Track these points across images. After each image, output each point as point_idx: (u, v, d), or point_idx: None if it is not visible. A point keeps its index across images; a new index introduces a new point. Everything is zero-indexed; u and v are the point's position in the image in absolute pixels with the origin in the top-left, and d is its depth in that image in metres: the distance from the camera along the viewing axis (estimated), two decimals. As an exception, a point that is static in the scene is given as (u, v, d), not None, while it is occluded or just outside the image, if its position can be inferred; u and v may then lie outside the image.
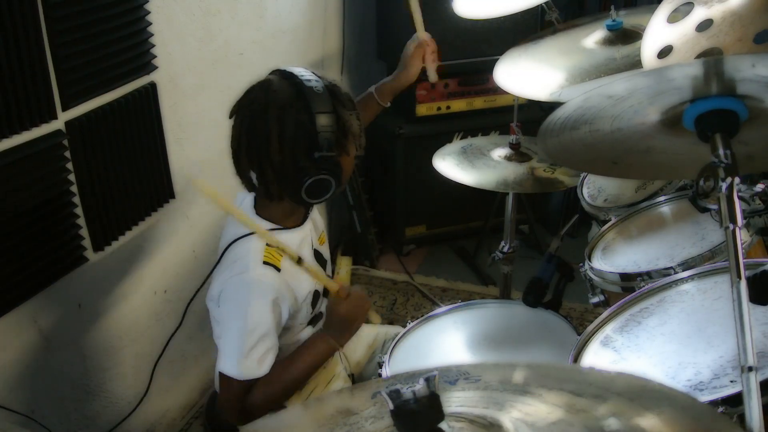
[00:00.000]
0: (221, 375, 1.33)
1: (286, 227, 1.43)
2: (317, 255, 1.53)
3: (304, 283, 1.42)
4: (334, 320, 1.39)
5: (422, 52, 1.70)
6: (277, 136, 1.30)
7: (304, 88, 1.30)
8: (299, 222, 1.46)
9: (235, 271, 1.35)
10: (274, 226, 1.41)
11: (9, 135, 1.41)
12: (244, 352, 1.31)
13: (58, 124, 1.53)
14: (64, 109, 1.54)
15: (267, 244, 1.36)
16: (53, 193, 1.55)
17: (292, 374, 1.38)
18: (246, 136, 1.33)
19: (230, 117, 1.36)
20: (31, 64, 1.42)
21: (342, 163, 1.36)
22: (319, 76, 1.35)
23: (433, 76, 1.73)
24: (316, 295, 1.49)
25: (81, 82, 1.57)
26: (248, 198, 1.46)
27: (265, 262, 1.34)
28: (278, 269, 1.35)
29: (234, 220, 1.44)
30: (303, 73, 1.34)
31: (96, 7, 1.57)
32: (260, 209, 1.43)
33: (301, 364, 1.38)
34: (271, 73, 1.39)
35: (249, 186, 1.40)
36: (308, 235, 1.49)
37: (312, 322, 1.52)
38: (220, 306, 1.37)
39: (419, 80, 1.77)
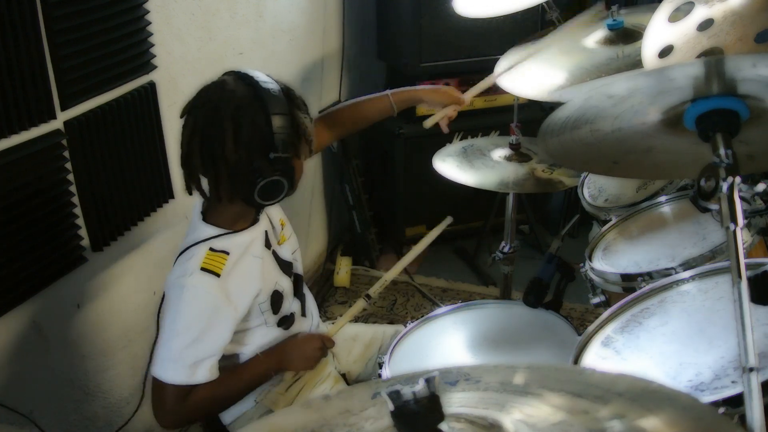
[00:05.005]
0: (153, 378, 1.32)
1: (234, 231, 1.41)
2: (275, 255, 1.51)
3: (250, 286, 1.40)
4: (293, 355, 1.48)
5: (454, 101, 1.72)
6: (232, 136, 1.29)
7: (260, 89, 1.30)
8: (247, 224, 1.44)
9: (174, 275, 1.35)
10: (220, 231, 1.39)
11: (8, 135, 1.41)
12: (173, 355, 1.31)
13: (57, 123, 1.53)
14: (63, 109, 1.53)
15: (211, 249, 1.35)
16: (52, 193, 1.55)
17: (233, 389, 1.41)
18: (200, 136, 1.32)
19: (181, 116, 1.35)
20: (30, 64, 1.42)
21: (294, 165, 1.36)
22: (274, 79, 1.34)
23: (430, 122, 1.76)
24: (277, 296, 1.47)
25: (80, 81, 1.56)
26: (197, 205, 1.45)
27: (203, 269, 1.33)
28: (218, 275, 1.34)
29: (190, 228, 1.44)
30: (258, 74, 1.34)
31: (95, 6, 1.57)
32: (208, 215, 1.41)
33: (243, 381, 1.42)
34: (225, 74, 1.37)
35: (197, 189, 1.37)
36: (259, 236, 1.46)
37: (282, 323, 1.50)
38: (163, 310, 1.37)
39: (418, 79, 1.77)
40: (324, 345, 1.51)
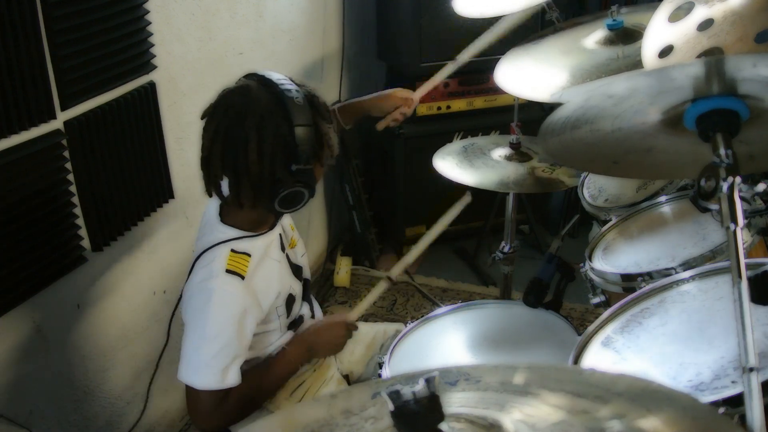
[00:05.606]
0: (186, 386, 1.32)
1: (253, 233, 1.40)
2: (288, 259, 1.51)
3: (271, 288, 1.40)
4: (320, 339, 1.47)
5: (402, 103, 1.72)
6: (255, 146, 1.27)
7: (284, 98, 1.28)
8: (267, 229, 1.44)
9: (199, 278, 1.34)
10: (240, 233, 1.38)
11: (8, 135, 1.41)
12: (205, 361, 1.30)
13: (56, 123, 1.53)
14: (63, 109, 1.53)
15: (232, 250, 1.34)
16: (52, 193, 1.55)
17: (266, 385, 1.40)
18: (221, 143, 1.30)
19: (202, 118, 1.33)
20: (30, 64, 1.42)
21: (315, 173, 1.35)
22: (298, 84, 1.32)
23: (381, 125, 1.76)
24: (290, 299, 1.47)
25: (80, 81, 1.56)
26: (213, 204, 1.44)
27: (228, 270, 1.32)
28: (242, 277, 1.33)
29: (206, 228, 1.43)
30: (282, 81, 1.31)
31: (95, 6, 1.57)
32: (226, 216, 1.40)
33: (275, 375, 1.42)
34: (247, 77, 1.35)
35: (217, 193, 1.36)
36: (276, 239, 1.46)
37: (292, 326, 1.50)
38: (185, 313, 1.35)
39: (418, 79, 1.77)
40: (348, 329, 1.50)
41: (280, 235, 1.49)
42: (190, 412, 1.35)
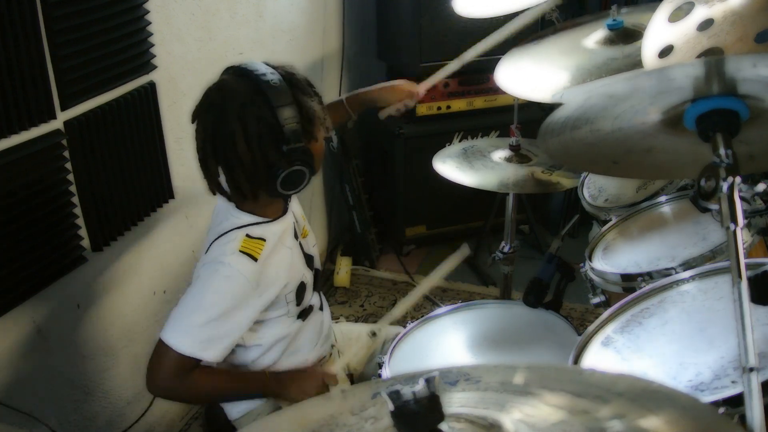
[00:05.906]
0: (160, 341, 1.30)
1: (268, 219, 1.42)
2: (301, 247, 1.52)
3: (280, 276, 1.41)
4: (293, 385, 1.44)
5: (407, 96, 1.76)
6: (242, 136, 1.29)
7: (261, 83, 1.29)
8: (280, 213, 1.45)
9: (209, 257, 1.35)
10: (257, 219, 1.40)
11: (8, 135, 1.41)
12: (194, 324, 1.30)
13: (56, 123, 1.53)
14: (63, 109, 1.53)
15: (247, 235, 1.36)
16: (52, 193, 1.55)
17: (230, 388, 1.40)
18: (210, 141, 1.32)
19: (192, 122, 1.35)
20: (30, 64, 1.42)
21: (312, 149, 1.35)
22: (274, 67, 1.34)
23: (384, 114, 1.80)
24: (301, 287, 1.48)
25: (80, 81, 1.57)
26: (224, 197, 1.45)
27: (241, 251, 1.33)
28: (255, 259, 1.34)
29: (219, 217, 1.44)
30: (257, 67, 1.33)
31: (95, 6, 1.57)
32: (240, 204, 1.42)
33: (241, 385, 1.41)
34: (224, 73, 1.37)
35: (219, 190, 1.38)
36: (290, 226, 1.48)
37: (302, 315, 1.51)
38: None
39: (418, 79, 1.78)
40: (322, 379, 1.47)
41: (294, 223, 1.50)
42: (150, 368, 1.31)
